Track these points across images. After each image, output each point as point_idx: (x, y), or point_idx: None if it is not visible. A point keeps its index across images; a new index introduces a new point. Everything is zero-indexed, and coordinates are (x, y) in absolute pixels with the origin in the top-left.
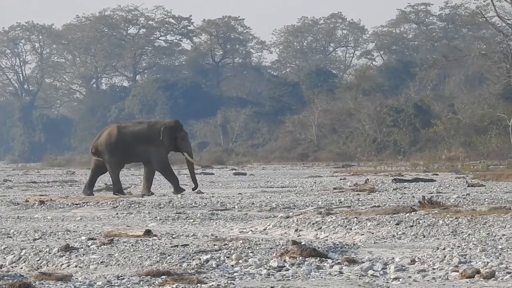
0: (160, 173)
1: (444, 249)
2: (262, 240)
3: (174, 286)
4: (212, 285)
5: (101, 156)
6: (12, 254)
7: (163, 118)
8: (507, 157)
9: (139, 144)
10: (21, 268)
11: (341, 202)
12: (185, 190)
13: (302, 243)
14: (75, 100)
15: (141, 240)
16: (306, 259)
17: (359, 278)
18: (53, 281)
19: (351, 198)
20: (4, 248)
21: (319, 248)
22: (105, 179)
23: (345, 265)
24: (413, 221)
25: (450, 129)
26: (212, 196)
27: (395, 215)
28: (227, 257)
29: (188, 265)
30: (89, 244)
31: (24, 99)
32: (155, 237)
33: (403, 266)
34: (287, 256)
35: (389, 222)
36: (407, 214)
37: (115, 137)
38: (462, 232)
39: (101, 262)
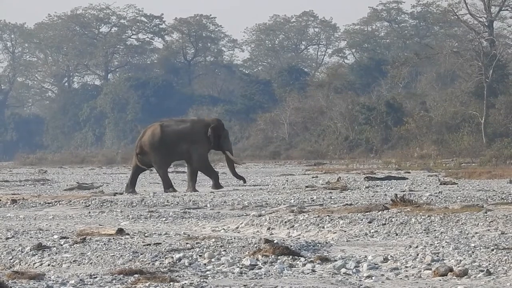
0: (200, 171)
1: (416, 247)
2: (234, 238)
3: (147, 284)
4: (185, 283)
5: (146, 156)
6: None
7: (205, 116)
8: (479, 155)
9: (182, 142)
10: None
11: (313, 200)
12: (223, 187)
13: (275, 242)
14: (47, 98)
15: (113, 238)
16: (279, 257)
17: (332, 276)
18: (26, 280)
19: (324, 196)
20: None
21: (291, 246)
22: (77, 177)
23: (318, 263)
24: (386, 219)
25: (422, 127)
26: (184, 194)
27: (368, 213)
28: (199, 255)
29: (160, 263)
30: (62, 243)
31: None
32: (127, 236)
33: (376, 264)
34: (259, 254)
35: (362, 220)
36: (380, 212)
37: (158, 136)
38: (435, 230)
39: (73, 261)
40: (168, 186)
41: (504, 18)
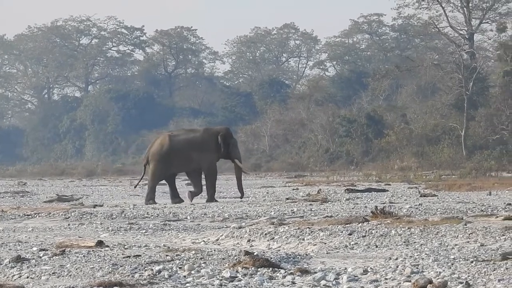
0: (205, 177)
1: (396, 259)
2: (214, 250)
3: None
4: None
5: (149, 163)
6: None
7: (213, 126)
8: (460, 167)
9: (192, 151)
10: None
11: (293, 213)
12: (217, 201)
13: (255, 254)
14: (27, 110)
15: (93, 251)
16: (259, 269)
17: None
18: None
19: (304, 209)
20: None
21: (271, 258)
22: (57, 189)
23: (298, 275)
24: (366, 231)
25: (402, 139)
26: (165, 206)
27: (348, 225)
28: (179, 267)
29: (140, 276)
30: (41, 255)
31: None
32: (107, 248)
33: (355, 276)
34: (239, 266)
35: (342, 232)
36: (360, 224)
37: (167, 146)
38: (415, 242)
39: (52, 273)
40: (151, 198)
41: (484, 30)
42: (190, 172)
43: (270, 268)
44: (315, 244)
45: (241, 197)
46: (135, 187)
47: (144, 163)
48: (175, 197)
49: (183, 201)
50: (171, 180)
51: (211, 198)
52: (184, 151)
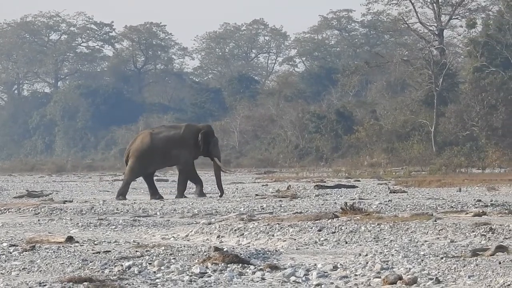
0: (178, 173)
1: (366, 255)
2: (184, 246)
3: None
4: None
5: (128, 159)
6: None
7: (195, 123)
8: (429, 163)
9: (173, 148)
10: None
11: (263, 209)
12: (187, 197)
13: (224, 250)
14: None
15: (63, 246)
16: (228, 265)
17: (282, 285)
18: None
19: (273, 205)
20: None
21: (241, 254)
22: (27, 185)
23: (267, 271)
24: (335, 227)
25: (372, 135)
26: (134, 202)
27: (317, 221)
28: (149, 263)
29: (110, 271)
30: (11, 250)
31: None
32: (77, 244)
33: (325, 273)
34: (209, 262)
35: (311, 228)
36: (329, 221)
37: (147, 144)
38: (384, 238)
39: (23, 269)
40: (121, 194)
41: (454, 26)
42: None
43: (240, 264)
44: (285, 240)
45: (221, 195)
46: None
47: (125, 159)
48: (155, 194)
49: (163, 197)
50: (150, 177)
51: (180, 194)
52: (164, 148)
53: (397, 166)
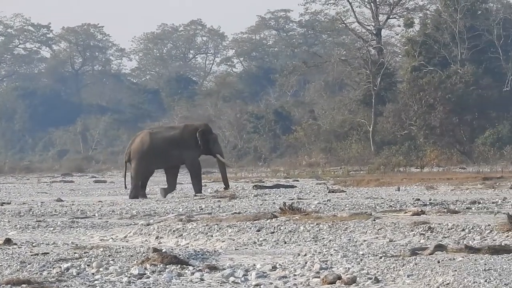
0: (190, 174)
1: (305, 255)
2: (122, 247)
3: None
4: None
5: (130, 161)
6: None
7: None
8: (368, 163)
9: (173, 148)
10: None
11: (202, 209)
12: (203, 194)
13: (163, 251)
14: None
15: (0, 248)
16: (167, 266)
17: (220, 285)
18: None
19: (212, 205)
20: None
21: (180, 255)
22: None
23: (206, 272)
24: (274, 227)
25: (310, 135)
26: (72, 204)
27: (256, 221)
28: (87, 265)
29: (48, 273)
30: None
31: None
32: (15, 246)
33: (264, 273)
34: (148, 263)
35: (250, 228)
36: (268, 221)
37: (147, 144)
38: (323, 238)
39: None
40: (135, 196)
41: (392, 26)
42: (167, 169)
43: (179, 265)
44: (224, 241)
45: (226, 189)
46: (125, 187)
47: (125, 160)
48: (143, 192)
49: (147, 197)
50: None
51: (198, 191)
52: (164, 148)
53: (336, 165)
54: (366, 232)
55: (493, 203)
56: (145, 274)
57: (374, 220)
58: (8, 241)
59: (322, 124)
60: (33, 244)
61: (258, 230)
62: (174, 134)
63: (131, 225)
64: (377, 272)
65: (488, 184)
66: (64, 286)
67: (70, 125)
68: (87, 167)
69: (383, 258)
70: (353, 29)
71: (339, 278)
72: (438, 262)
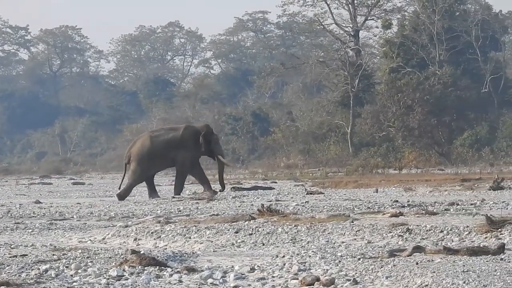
0: (176, 173)
1: (283, 256)
2: (101, 249)
3: None
4: None
5: (129, 163)
6: None
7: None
8: (346, 164)
9: (173, 150)
10: None
11: (180, 211)
12: (182, 197)
13: (141, 252)
14: None
15: None
16: (146, 268)
17: (199, 287)
18: None
19: (190, 207)
20: None
21: (158, 257)
22: None
23: (185, 273)
24: (252, 229)
25: (288, 136)
26: (51, 206)
27: (234, 223)
28: (66, 266)
29: (27, 275)
30: None
31: None
32: None
33: (242, 274)
34: (126, 265)
35: (228, 230)
36: (246, 222)
37: (148, 147)
38: (302, 239)
39: None
40: (123, 196)
41: (370, 27)
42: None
43: (157, 267)
44: (202, 243)
45: (222, 190)
46: (119, 188)
47: (125, 162)
48: (153, 194)
49: (159, 197)
50: (150, 178)
51: (178, 192)
52: (164, 151)
53: (314, 167)
54: (344, 233)
55: (471, 204)
56: (124, 275)
57: (352, 222)
58: None
59: (300, 125)
60: (12, 246)
61: (236, 232)
62: (173, 136)
63: (110, 227)
64: (356, 273)
65: (466, 185)
66: (42, 287)
67: (48, 127)
68: (66, 169)
69: (361, 259)
70: (331, 30)
71: (318, 279)
72: (417, 263)
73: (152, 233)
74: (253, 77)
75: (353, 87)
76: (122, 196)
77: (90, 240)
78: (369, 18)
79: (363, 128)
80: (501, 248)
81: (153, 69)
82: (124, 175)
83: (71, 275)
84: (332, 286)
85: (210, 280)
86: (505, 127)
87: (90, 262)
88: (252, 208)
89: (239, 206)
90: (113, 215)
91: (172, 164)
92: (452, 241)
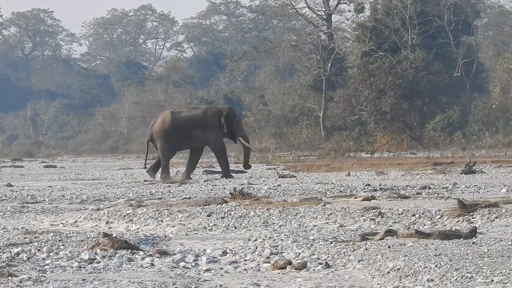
0: (215, 155)
1: (255, 240)
2: (73, 232)
3: None
4: (23, 278)
5: (154, 143)
6: None
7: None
8: (318, 148)
9: (195, 129)
10: None
11: (152, 194)
12: (233, 177)
13: (113, 236)
14: None
15: None
16: (118, 251)
17: (171, 270)
18: None
19: (162, 190)
20: None
21: (130, 240)
22: None
23: (157, 257)
24: (225, 212)
25: (260, 120)
26: (22, 189)
27: (206, 206)
28: (38, 250)
29: None
30: None
31: None
32: None
33: (214, 258)
34: (98, 248)
35: (200, 213)
36: (219, 206)
37: (169, 123)
38: (274, 223)
39: None
40: (165, 176)
41: (342, 11)
42: (191, 150)
43: (129, 250)
44: (174, 226)
45: (246, 169)
46: (145, 167)
47: (148, 139)
48: (167, 174)
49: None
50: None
51: (226, 174)
52: (186, 128)
53: (286, 151)
54: (317, 217)
55: (443, 188)
56: (96, 259)
57: (325, 206)
58: None
59: (272, 109)
60: None
61: (209, 215)
62: (196, 114)
63: (81, 210)
64: (328, 257)
65: (438, 169)
66: (14, 271)
67: (20, 110)
68: (37, 152)
69: (333, 243)
70: (304, 14)
71: (290, 263)
72: (389, 247)
73: (124, 216)
74: (226, 60)
75: (326, 71)
76: (163, 177)
77: (62, 223)
78: (341, 2)
79: (335, 112)
80: (473, 232)
81: (125, 53)
82: (147, 153)
83: (43, 258)
84: (304, 269)
85: (182, 264)
86: (477, 111)
87: (62, 245)
88: (224, 192)
89: (211, 190)
90: (85, 198)
91: (197, 144)
92: (424, 224)
